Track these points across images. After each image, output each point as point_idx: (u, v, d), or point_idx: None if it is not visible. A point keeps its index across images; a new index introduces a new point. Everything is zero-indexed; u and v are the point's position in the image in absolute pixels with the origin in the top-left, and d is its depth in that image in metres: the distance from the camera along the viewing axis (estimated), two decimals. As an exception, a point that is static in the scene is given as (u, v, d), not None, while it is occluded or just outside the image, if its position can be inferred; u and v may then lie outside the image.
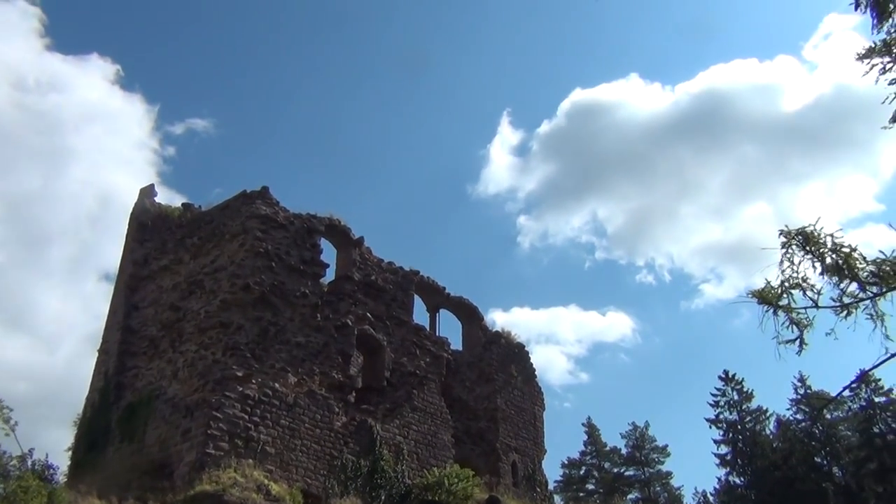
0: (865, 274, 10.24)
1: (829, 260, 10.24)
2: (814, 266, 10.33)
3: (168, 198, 31.24)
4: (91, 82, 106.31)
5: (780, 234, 10.53)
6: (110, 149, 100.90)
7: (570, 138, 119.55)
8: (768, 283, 10.35)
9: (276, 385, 24.14)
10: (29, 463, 27.44)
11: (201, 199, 29.66)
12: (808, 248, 10.34)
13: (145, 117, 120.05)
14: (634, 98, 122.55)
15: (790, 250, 10.41)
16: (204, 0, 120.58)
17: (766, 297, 10.32)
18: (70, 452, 26.53)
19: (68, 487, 22.38)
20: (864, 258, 10.28)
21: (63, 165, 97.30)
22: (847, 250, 10.23)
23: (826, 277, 10.35)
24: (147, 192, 30.53)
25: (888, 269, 10.11)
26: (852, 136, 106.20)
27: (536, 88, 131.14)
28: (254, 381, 23.67)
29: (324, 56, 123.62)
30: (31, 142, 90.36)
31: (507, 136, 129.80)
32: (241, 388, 23.17)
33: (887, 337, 9.82)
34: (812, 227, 10.40)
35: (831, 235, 10.34)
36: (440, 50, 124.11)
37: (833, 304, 10.25)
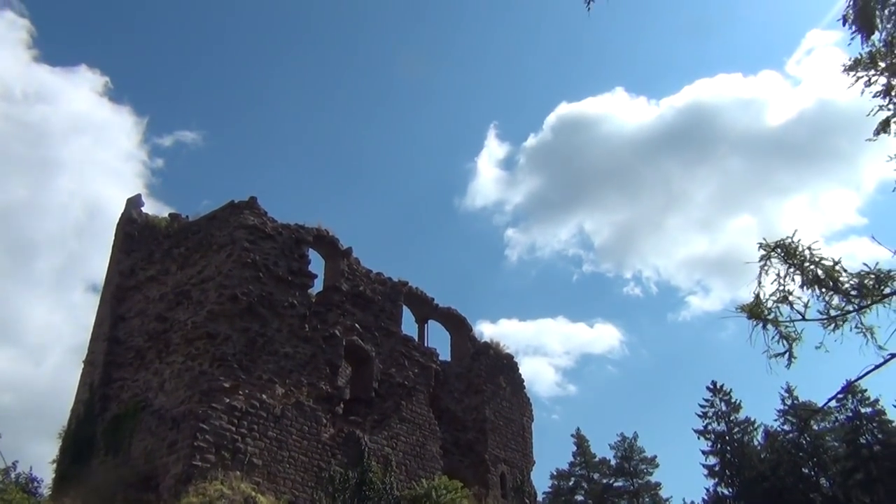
0: (848, 286, 10.28)
1: (810, 273, 10.27)
2: (793, 279, 10.36)
3: (156, 210, 31.07)
4: (79, 94, 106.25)
5: (760, 246, 10.58)
6: (98, 160, 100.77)
7: (556, 152, 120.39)
8: (757, 296, 10.37)
9: (264, 396, 24.00)
10: (13, 475, 27.16)
11: (190, 211, 29.51)
12: (789, 260, 10.37)
13: (134, 129, 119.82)
14: (620, 112, 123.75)
15: (769, 263, 10.45)
16: (193, 12, 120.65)
17: (755, 312, 10.34)
18: (54, 465, 26.22)
19: (52, 500, 22.18)
20: (846, 270, 10.33)
21: (50, 176, 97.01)
22: (829, 263, 10.28)
23: (807, 290, 10.39)
24: (134, 202, 30.36)
25: (870, 282, 10.15)
26: (835, 151, 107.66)
27: (523, 102, 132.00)
28: (241, 392, 23.52)
29: (312, 72, 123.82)
30: (18, 152, 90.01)
31: (493, 149, 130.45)
32: (228, 400, 23.02)
33: (881, 347, 9.86)
34: (790, 240, 10.45)
35: (809, 248, 10.40)
36: (428, 65, 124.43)
37: (820, 316, 10.29)
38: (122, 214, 30.21)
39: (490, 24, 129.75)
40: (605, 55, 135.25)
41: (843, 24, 11.69)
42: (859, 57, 11.82)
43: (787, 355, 10.36)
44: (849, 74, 11.89)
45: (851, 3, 11.40)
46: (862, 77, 11.80)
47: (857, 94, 11.72)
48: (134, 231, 29.47)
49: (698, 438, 56.74)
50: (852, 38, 11.44)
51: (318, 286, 28.51)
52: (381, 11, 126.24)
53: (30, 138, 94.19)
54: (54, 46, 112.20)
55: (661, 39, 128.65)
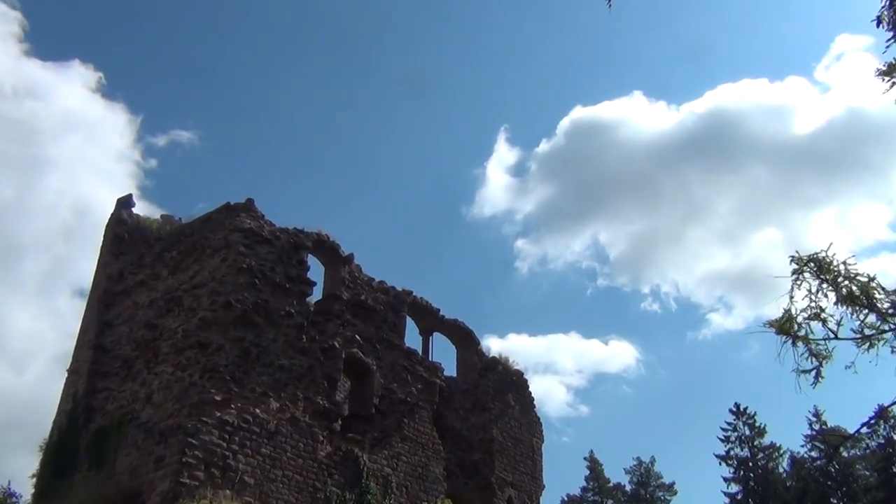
0: (886, 305, 10.21)
1: (844, 289, 10.22)
2: (826, 295, 10.32)
3: (149, 213, 31.02)
4: (71, 90, 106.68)
5: (792, 260, 10.53)
6: (89, 159, 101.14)
7: (570, 158, 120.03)
8: (786, 312, 10.32)
9: (257, 411, 23.96)
10: (-10, 490, 27.16)
11: (184, 214, 29.70)
12: (822, 276, 10.33)
13: (127, 128, 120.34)
14: (638, 117, 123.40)
15: (801, 278, 10.41)
16: (191, 8, 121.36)
17: (785, 328, 10.27)
18: (35, 479, 26.26)
19: (31, 517, 22.17)
20: (883, 288, 10.26)
21: (38, 175, 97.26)
22: (864, 279, 10.21)
23: (841, 307, 10.34)
24: (124, 203, 30.39)
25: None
26: (866, 161, 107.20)
27: (535, 105, 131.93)
28: (233, 405, 23.48)
29: (315, 68, 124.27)
30: (5, 150, 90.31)
31: (503, 154, 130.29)
32: (219, 414, 22.98)
33: (910, 373, 9.78)
34: (824, 254, 10.41)
35: (844, 263, 10.35)
36: (436, 63, 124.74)
37: (854, 335, 10.22)
38: (112, 215, 30.24)
39: (500, 23, 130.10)
40: (623, 57, 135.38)
41: (878, 26, 11.62)
42: (894, 61, 11.75)
43: (814, 373, 10.31)
44: (883, 80, 11.82)
45: (887, 3, 11.35)
46: (897, 83, 11.71)
47: (889, 101, 11.65)
48: (123, 233, 29.49)
49: (720, 464, 56.67)
50: (888, 44, 11.37)
51: (316, 294, 28.50)
52: (386, 9, 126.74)
53: (18, 135, 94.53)
54: (46, 40, 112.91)
55: (683, 41, 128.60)
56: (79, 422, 25.84)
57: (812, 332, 10.34)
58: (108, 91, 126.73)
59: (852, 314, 10.25)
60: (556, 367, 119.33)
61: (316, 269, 28.85)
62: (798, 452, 56.13)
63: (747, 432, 57.01)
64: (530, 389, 35.94)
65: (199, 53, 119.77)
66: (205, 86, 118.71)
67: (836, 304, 10.29)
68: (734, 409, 57.97)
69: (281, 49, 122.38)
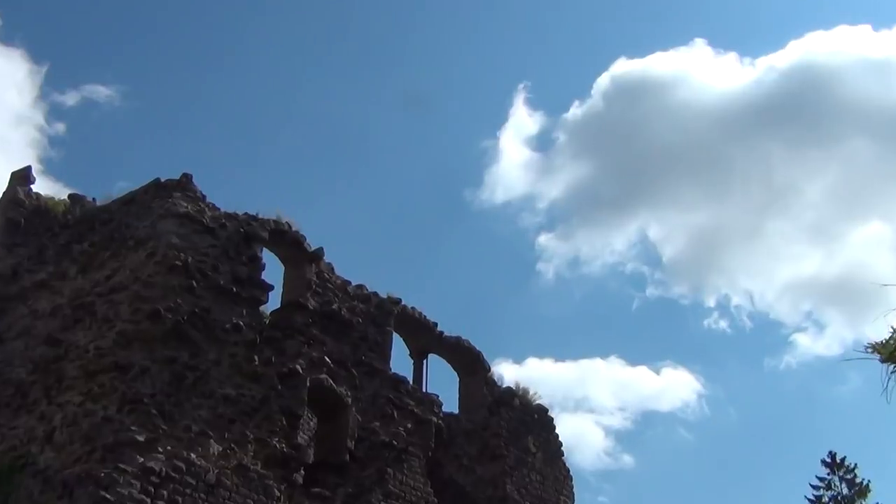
0: None
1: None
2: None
3: (54, 192, 31.26)
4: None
5: None
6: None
7: (610, 127, 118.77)
8: (895, 332, 10.19)
9: (193, 456, 23.87)
10: None
11: (99, 195, 29.92)
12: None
13: (28, 81, 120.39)
14: (700, 73, 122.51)
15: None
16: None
17: (893, 354, 10.15)
18: None
19: None
20: None
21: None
22: None
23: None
24: (21, 179, 30.48)
25: None
26: None
27: (564, 57, 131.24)
28: (160, 448, 23.41)
29: (279, 10, 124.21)
30: None
31: (522, 121, 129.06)
32: (141, 459, 22.89)
33: None
34: None
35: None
36: (434, 2, 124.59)
37: None
38: (5, 194, 30.38)
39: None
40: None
41: None
42: None
43: (935, 416, 10.22)
44: None
45: None
46: None
47: None
48: (20, 218, 29.58)
49: (809, 532, 56.69)
50: None
51: (274, 302, 28.66)
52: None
53: None
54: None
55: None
56: (-43, 467, 25.86)
57: (932, 359, 10.23)
58: (4, 34, 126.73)
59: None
60: (591, 402, 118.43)
61: (273, 269, 28.99)
62: (911, 518, 56.23)
63: (845, 490, 56.96)
64: (557, 432, 36.15)
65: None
66: (130, 28, 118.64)
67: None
68: (828, 460, 57.90)
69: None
